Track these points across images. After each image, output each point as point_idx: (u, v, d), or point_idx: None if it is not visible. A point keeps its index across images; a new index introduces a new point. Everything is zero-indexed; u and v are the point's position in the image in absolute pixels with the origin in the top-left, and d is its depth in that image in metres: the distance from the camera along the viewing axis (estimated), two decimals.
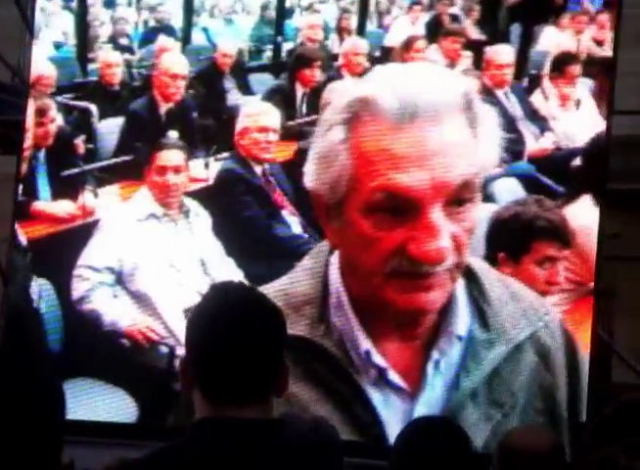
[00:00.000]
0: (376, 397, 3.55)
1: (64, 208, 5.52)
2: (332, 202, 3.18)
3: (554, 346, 3.49)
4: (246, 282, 2.81)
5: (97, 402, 5.13)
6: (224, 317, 1.80)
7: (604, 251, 4.89)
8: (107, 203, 5.50)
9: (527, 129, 5.35)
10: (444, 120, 3.07)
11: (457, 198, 3.00)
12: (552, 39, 5.40)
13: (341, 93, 3.32)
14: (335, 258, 3.56)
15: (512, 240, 4.64)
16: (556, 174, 5.10)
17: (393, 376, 3.39)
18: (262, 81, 5.89)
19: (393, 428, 3.60)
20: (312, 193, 3.34)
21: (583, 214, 4.95)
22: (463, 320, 3.28)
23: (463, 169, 3.01)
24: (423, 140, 3.00)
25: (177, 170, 5.32)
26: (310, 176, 3.24)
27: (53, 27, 6.09)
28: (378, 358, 3.25)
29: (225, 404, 1.78)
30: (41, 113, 5.64)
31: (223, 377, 1.78)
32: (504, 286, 3.42)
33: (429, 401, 3.57)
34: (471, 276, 3.30)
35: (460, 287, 3.27)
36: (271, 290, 3.65)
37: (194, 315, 1.84)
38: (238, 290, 1.90)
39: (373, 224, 3.09)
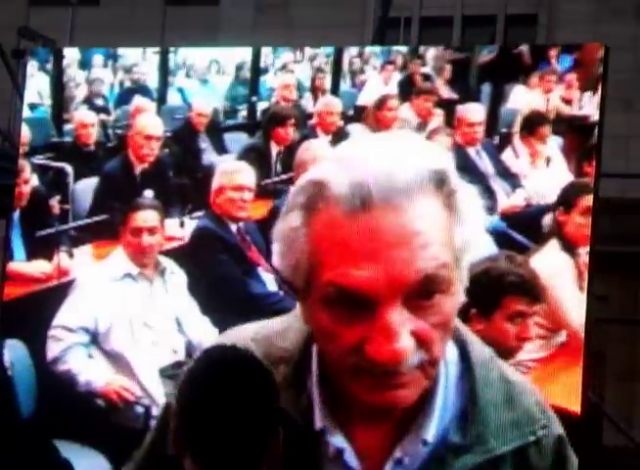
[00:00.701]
0: None
1: (39, 268, 5.51)
2: (296, 286, 2.99)
3: (540, 466, 3.20)
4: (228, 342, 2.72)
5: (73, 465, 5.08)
6: (211, 381, 1.79)
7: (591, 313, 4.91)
8: (82, 262, 5.50)
9: (499, 186, 5.40)
10: (405, 207, 2.72)
11: (420, 292, 2.70)
12: (522, 98, 5.47)
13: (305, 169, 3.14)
14: None
15: (483, 296, 4.66)
16: (527, 230, 5.15)
17: (351, 458, 3.20)
18: (237, 140, 5.93)
19: None
20: (279, 273, 3.18)
21: (549, 261, 4.99)
22: (434, 424, 3.03)
23: (427, 262, 2.69)
24: (378, 231, 2.69)
25: (152, 231, 5.33)
26: (276, 256, 3.05)
27: (28, 88, 6.12)
28: (334, 438, 3.07)
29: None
30: (16, 173, 5.66)
31: (213, 443, 1.77)
32: (503, 387, 3.11)
33: None
34: (467, 373, 3.03)
35: (447, 384, 3.03)
36: (261, 328, 3.46)
37: (183, 380, 1.83)
38: (227, 354, 1.88)
39: (331, 317, 2.83)
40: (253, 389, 1.80)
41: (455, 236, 2.74)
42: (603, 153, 5.20)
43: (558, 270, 4.98)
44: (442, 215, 2.73)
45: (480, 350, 2.96)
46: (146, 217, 5.35)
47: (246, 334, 3.18)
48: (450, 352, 2.88)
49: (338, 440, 3.06)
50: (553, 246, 5.04)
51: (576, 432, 4.59)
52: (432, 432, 2.93)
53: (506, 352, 4.76)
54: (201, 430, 1.77)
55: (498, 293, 4.67)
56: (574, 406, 4.74)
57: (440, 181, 2.73)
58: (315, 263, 2.77)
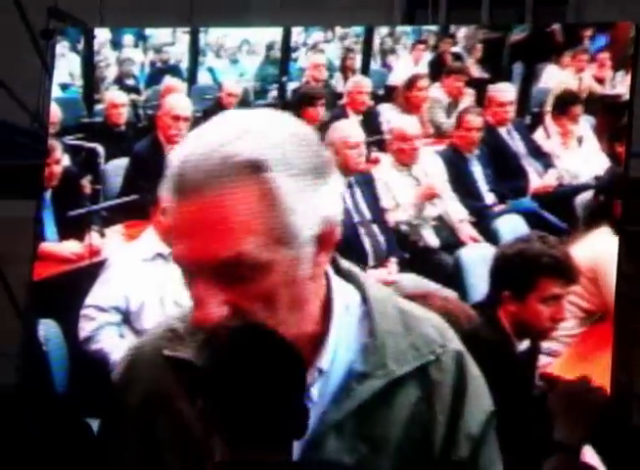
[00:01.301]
0: None
1: (70, 248, 5.55)
2: None
3: (442, 380, 3.31)
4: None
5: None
6: (239, 360, 1.79)
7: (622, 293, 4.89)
8: (113, 242, 5.53)
9: (530, 166, 5.37)
10: (215, 195, 2.94)
11: (226, 271, 2.96)
12: (554, 77, 5.44)
13: None
14: None
15: (516, 278, 4.65)
16: (559, 211, 5.13)
17: None
18: None
19: None
20: None
21: (598, 248, 4.96)
22: (327, 355, 3.19)
23: (224, 248, 2.96)
24: (192, 216, 2.94)
25: None
26: None
27: (59, 69, 6.14)
28: None
29: (245, 449, 1.77)
30: (48, 153, 5.69)
31: (242, 421, 1.78)
32: (401, 318, 3.29)
33: None
34: (368, 312, 3.24)
35: (346, 324, 3.20)
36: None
37: (209, 359, 1.84)
38: (254, 332, 1.89)
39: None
40: (279, 366, 1.80)
41: (271, 221, 2.92)
42: (634, 133, 5.16)
43: (606, 253, 4.93)
44: (257, 203, 2.91)
45: (377, 290, 3.16)
46: None
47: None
48: (352, 298, 3.07)
49: None
50: (600, 229, 5.00)
51: (606, 412, 4.59)
52: (325, 361, 3.07)
53: (540, 333, 4.75)
54: (229, 409, 1.78)
55: (533, 275, 4.65)
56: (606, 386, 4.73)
57: (255, 170, 2.90)
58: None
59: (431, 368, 3.20)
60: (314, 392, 3.18)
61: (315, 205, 3.07)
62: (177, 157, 2.94)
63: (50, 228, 5.63)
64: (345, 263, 3.18)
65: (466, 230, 5.33)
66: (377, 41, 5.90)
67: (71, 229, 5.60)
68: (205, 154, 2.90)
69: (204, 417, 1.81)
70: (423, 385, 3.21)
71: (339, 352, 3.24)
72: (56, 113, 5.91)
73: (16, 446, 1.94)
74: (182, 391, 2.76)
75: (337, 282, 3.13)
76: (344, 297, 3.12)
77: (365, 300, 3.15)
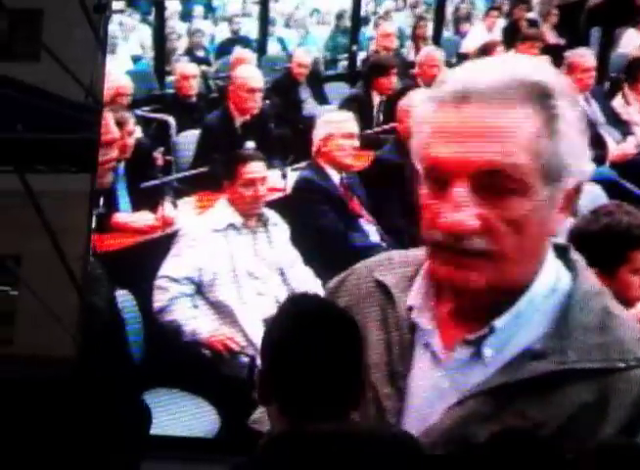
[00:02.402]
0: (418, 355, 3.50)
1: (143, 219, 5.57)
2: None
3: (626, 393, 3.25)
4: (323, 291, 2.85)
5: (179, 413, 5.16)
6: (301, 331, 1.79)
7: None
8: (185, 214, 5.54)
9: (609, 134, 5.27)
10: (497, 106, 3.15)
11: (490, 184, 3.09)
12: (633, 42, 5.31)
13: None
14: None
15: (607, 253, 4.53)
16: (639, 179, 5.02)
17: (435, 342, 3.37)
18: (338, 90, 5.89)
19: (418, 390, 3.54)
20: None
21: None
22: (508, 317, 3.26)
23: (498, 155, 3.09)
24: (467, 121, 3.10)
25: (263, 181, 5.34)
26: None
27: (131, 41, 6.16)
28: (420, 318, 3.29)
29: (303, 419, 1.77)
30: (119, 125, 5.70)
31: (301, 391, 1.77)
32: (601, 316, 3.24)
33: (455, 382, 3.49)
34: (569, 303, 3.23)
35: (540, 299, 3.22)
36: (384, 259, 3.64)
37: (271, 329, 1.83)
38: (315, 303, 1.88)
39: (426, 192, 3.26)
40: (339, 338, 1.78)
41: (547, 148, 2.99)
42: None
43: None
44: (535, 125, 3.01)
45: (589, 285, 3.15)
46: (257, 168, 5.35)
47: (372, 265, 3.47)
48: (562, 283, 3.17)
49: (423, 320, 3.23)
50: None
51: None
52: (504, 320, 3.12)
53: (630, 301, 4.65)
54: (289, 378, 1.77)
55: (624, 249, 4.55)
56: None
57: (541, 94, 3.04)
58: (425, 145, 3.14)
59: (615, 376, 3.14)
60: (487, 350, 3.21)
61: (584, 152, 3.16)
62: (458, 72, 3.17)
63: (123, 200, 5.66)
64: (570, 247, 3.21)
65: None
66: (450, 9, 5.82)
67: (144, 201, 5.63)
68: (490, 72, 3.10)
69: (264, 383, 1.80)
70: (600, 389, 3.15)
71: (520, 323, 3.23)
72: (128, 84, 5.93)
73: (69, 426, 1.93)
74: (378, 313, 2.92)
75: (553, 258, 3.18)
76: (555, 277, 3.17)
77: (573, 292, 3.17)
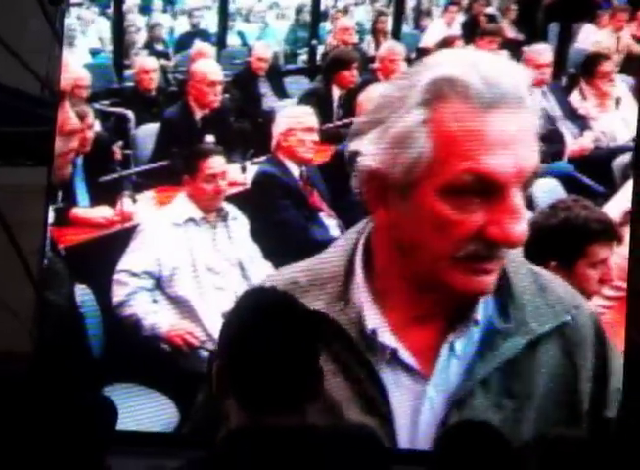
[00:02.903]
0: (386, 376, 3.53)
1: (102, 213, 5.54)
2: (400, 183, 3.19)
3: (580, 342, 3.46)
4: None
5: (138, 408, 5.14)
6: (258, 324, 1.79)
7: (636, 253, 4.86)
8: (144, 208, 5.52)
9: (567, 129, 5.31)
10: (521, 108, 3.14)
11: (527, 185, 3.16)
12: (591, 37, 5.36)
13: (414, 73, 3.34)
14: (363, 239, 3.56)
15: (564, 247, 4.57)
16: (596, 173, 5.07)
17: (405, 356, 3.38)
18: (298, 84, 5.89)
19: (403, 408, 3.58)
20: (372, 173, 3.30)
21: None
22: (482, 306, 3.32)
23: (537, 159, 3.16)
24: (506, 125, 3.08)
25: (223, 176, 5.32)
26: (374, 157, 3.24)
27: (89, 35, 6.12)
28: (386, 338, 3.28)
29: (261, 412, 1.77)
30: (79, 119, 5.66)
31: (259, 385, 1.77)
32: (534, 278, 3.41)
33: (440, 384, 3.57)
34: (506, 268, 3.35)
35: None
36: (298, 269, 3.65)
37: (228, 322, 1.83)
38: (272, 296, 1.89)
39: (452, 207, 3.15)
40: (297, 331, 1.79)
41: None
42: None
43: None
44: (536, 126, 3.15)
45: (511, 253, 3.26)
46: (218, 163, 5.34)
47: (291, 269, 3.42)
48: None
49: (390, 339, 3.24)
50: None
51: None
52: (480, 313, 3.18)
53: (585, 296, 4.69)
54: (247, 372, 1.77)
55: (582, 242, 4.58)
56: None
57: (527, 95, 3.12)
58: (443, 156, 3.05)
59: (567, 329, 3.34)
60: (458, 346, 3.24)
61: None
62: (471, 73, 3.10)
63: (82, 194, 5.62)
64: None
65: None
66: (410, 3, 5.83)
67: (103, 195, 5.59)
68: (496, 75, 3.08)
69: (221, 377, 1.80)
70: (562, 344, 3.32)
71: (485, 306, 3.32)
72: (86, 77, 5.88)
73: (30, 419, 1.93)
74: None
75: None
76: None
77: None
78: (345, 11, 5.91)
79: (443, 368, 3.44)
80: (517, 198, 3.15)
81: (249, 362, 1.78)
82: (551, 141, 5.30)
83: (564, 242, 4.57)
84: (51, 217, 5.60)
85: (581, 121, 5.29)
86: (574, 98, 5.34)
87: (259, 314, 1.81)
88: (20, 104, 6.45)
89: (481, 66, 3.12)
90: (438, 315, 3.37)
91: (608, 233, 4.64)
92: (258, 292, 1.97)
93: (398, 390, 3.39)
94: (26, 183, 6.50)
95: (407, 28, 5.86)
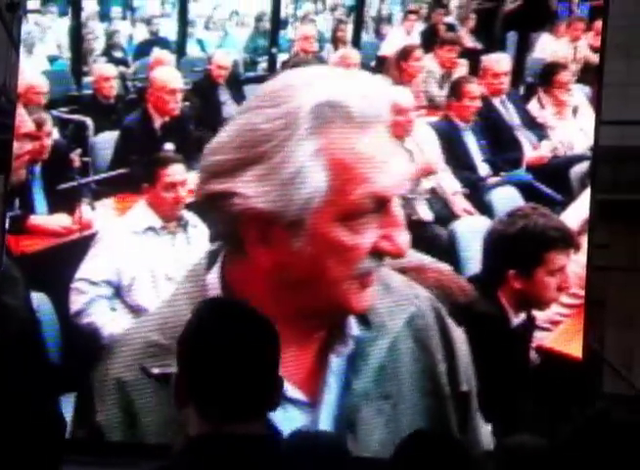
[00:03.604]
0: (275, 416, 3.44)
1: (60, 221, 5.49)
2: (292, 220, 3.07)
3: (427, 326, 3.54)
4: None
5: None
6: (217, 334, 1.78)
7: (594, 261, 4.91)
8: (103, 216, 5.48)
9: (525, 137, 5.34)
10: (388, 121, 3.14)
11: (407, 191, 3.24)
12: (548, 47, 5.40)
13: (283, 99, 3.14)
14: (214, 279, 3.42)
15: (523, 255, 4.60)
16: (554, 182, 5.10)
17: (289, 390, 3.31)
18: None
19: None
20: (257, 215, 3.14)
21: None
22: (353, 319, 3.35)
23: (410, 166, 3.22)
24: (385, 140, 3.09)
25: (183, 184, 5.30)
26: (260, 199, 3.08)
27: (47, 41, 6.07)
28: None
29: (221, 420, 1.76)
30: (37, 126, 5.61)
31: (218, 393, 1.77)
32: (378, 280, 3.45)
33: (330, 410, 3.51)
34: None
35: None
36: (153, 322, 3.55)
37: (185, 332, 1.82)
38: (229, 305, 1.88)
39: (347, 231, 3.08)
40: (255, 339, 1.79)
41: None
42: (610, 100, 5.14)
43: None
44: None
45: None
46: (178, 171, 5.31)
47: (142, 329, 3.35)
48: None
49: None
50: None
51: (578, 378, 4.63)
52: (353, 327, 3.20)
53: (545, 303, 4.72)
54: (205, 380, 1.76)
55: (540, 250, 4.62)
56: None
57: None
58: (338, 184, 3.00)
59: (415, 318, 3.39)
60: (335, 366, 3.19)
61: None
62: (349, 93, 3.04)
63: (40, 201, 5.58)
64: None
65: (459, 203, 5.30)
66: (372, 10, 5.84)
67: (61, 203, 5.55)
68: (370, 92, 3.05)
69: (180, 386, 1.79)
70: (414, 335, 3.38)
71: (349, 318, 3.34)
72: (43, 84, 5.84)
73: None
74: None
75: None
76: None
77: None
78: (306, 19, 5.92)
79: (329, 392, 3.39)
80: (398, 208, 3.18)
81: (206, 371, 1.77)
82: (509, 150, 5.35)
83: (522, 250, 4.60)
84: (8, 225, 5.55)
85: (539, 130, 5.33)
86: (533, 107, 5.39)
87: (216, 323, 1.81)
88: None
89: (355, 83, 3.09)
90: (315, 340, 3.33)
91: (565, 241, 4.68)
92: (216, 302, 1.97)
93: (290, 424, 3.26)
94: None
95: (367, 37, 5.88)
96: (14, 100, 5.83)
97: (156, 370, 2.85)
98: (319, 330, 3.30)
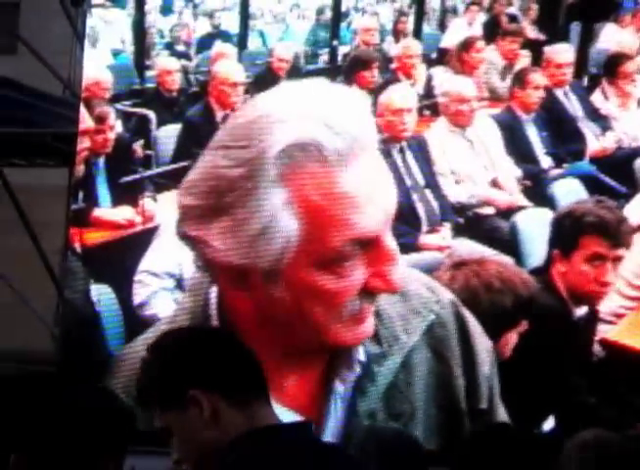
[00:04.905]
0: None
1: (123, 214, 5.55)
2: (269, 269, 2.89)
3: (447, 335, 3.28)
4: None
5: None
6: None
7: None
8: (166, 208, 5.52)
9: (588, 129, 5.29)
10: (370, 144, 2.84)
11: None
12: (613, 37, 5.33)
13: (250, 139, 2.88)
14: (214, 298, 3.26)
15: (563, 236, 4.60)
16: (618, 174, 5.04)
17: (290, 418, 3.24)
18: None
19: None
20: (230, 267, 2.98)
21: None
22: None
23: (395, 192, 2.90)
24: (366, 173, 2.80)
25: None
26: (232, 252, 2.91)
27: (111, 35, 6.13)
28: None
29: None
30: (100, 120, 5.67)
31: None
32: None
33: (332, 431, 3.35)
34: None
35: None
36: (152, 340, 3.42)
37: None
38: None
39: (331, 276, 2.86)
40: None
41: None
42: None
43: None
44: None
45: None
46: None
47: (142, 347, 3.21)
48: None
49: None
50: None
51: None
52: (361, 351, 3.01)
53: (590, 296, 4.68)
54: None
55: (576, 232, 4.59)
56: None
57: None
58: (313, 232, 2.75)
59: (434, 326, 3.19)
60: (340, 389, 3.08)
61: None
62: (321, 129, 2.75)
63: (103, 194, 5.63)
64: None
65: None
66: (434, 1, 5.81)
67: (124, 195, 5.60)
68: (342, 120, 2.80)
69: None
70: (431, 345, 3.19)
71: None
72: (108, 79, 5.90)
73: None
74: None
75: None
76: None
77: None
78: (368, 11, 5.91)
79: (332, 416, 3.21)
80: (389, 241, 2.90)
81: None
82: (572, 141, 5.30)
83: (563, 231, 4.59)
84: (72, 218, 5.61)
85: (603, 122, 5.27)
86: (596, 98, 5.32)
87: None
88: (42, 105, 6.48)
89: (325, 113, 2.76)
90: (319, 364, 3.17)
91: (603, 228, 4.61)
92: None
93: None
94: (48, 184, 6.53)
95: (429, 28, 5.85)
96: (79, 94, 5.90)
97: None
98: (321, 360, 3.13)
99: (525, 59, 5.46)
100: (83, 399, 1.96)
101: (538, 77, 5.32)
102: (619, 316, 4.75)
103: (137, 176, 5.64)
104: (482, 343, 3.36)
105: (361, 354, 3.15)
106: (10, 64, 7.15)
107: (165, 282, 5.29)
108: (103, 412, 1.93)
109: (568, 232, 4.63)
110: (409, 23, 5.82)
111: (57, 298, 5.88)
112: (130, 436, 1.97)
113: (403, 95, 5.44)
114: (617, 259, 4.63)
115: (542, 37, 5.48)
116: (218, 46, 6.01)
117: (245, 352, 1.83)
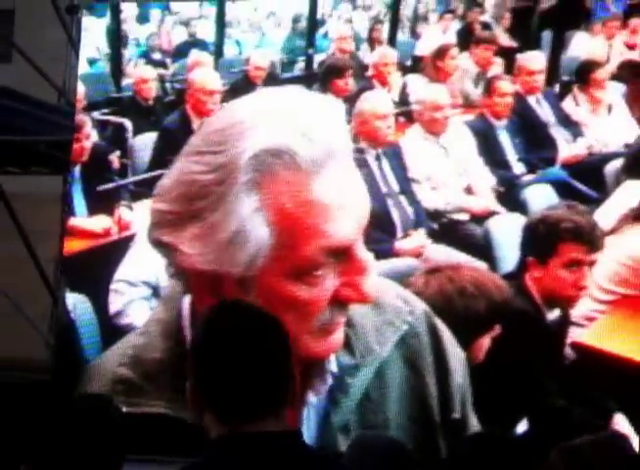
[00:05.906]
0: None
1: (99, 223, 5.56)
2: (241, 276, 2.90)
3: (420, 345, 3.25)
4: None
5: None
6: (229, 337, 1.80)
7: None
8: (142, 217, 5.53)
9: (560, 135, 5.33)
10: (345, 153, 2.82)
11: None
12: (583, 45, 5.38)
13: (222, 144, 2.84)
14: (187, 309, 3.20)
15: (539, 243, 4.64)
16: (589, 180, 5.08)
17: None
18: None
19: None
20: (203, 274, 2.91)
21: None
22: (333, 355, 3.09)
23: (368, 201, 2.89)
24: (340, 182, 2.78)
25: None
26: (204, 259, 2.89)
27: (86, 44, 6.13)
28: None
29: (239, 422, 1.79)
30: (77, 129, 5.69)
31: (233, 395, 1.80)
32: None
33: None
34: None
35: None
36: (123, 354, 3.30)
37: (197, 338, 1.84)
38: (238, 308, 1.89)
39: (302, 285, 2.81)
40: (265, 337, 1.81)
41: None
42: None
43: None
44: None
45: None
46: None
47: (113, 360, 3.16)
48: None
49: None
50: None
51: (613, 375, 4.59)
52: (334, 362, 3.00)
53: (566, 300, 4.72)
54: (218, 383, 1.80)
55: (553, 239, 4.63)
56: None
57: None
58: (285, 240, 2.74)
59: (407, 337, 3.17)
60: (313, 400, 3.07)
61: None
62: (294, 137, 2.72)
63: (79, 203, 5.64)
64: None
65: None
66: (408, 10, 5.84)
67: (101, 204, 5.61)
68: (317, 127, 2.79)
69: (194, 395, 1.81)
70: (404, 356, 3.17)
71: None
72: (83, 88, 5.91)
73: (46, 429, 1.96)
74: None
75: None
76: None
77: None
78: (343, 19, 5.94)
79: (305, 428, 3.14)
80: (361, 251, 2.87)
81: (219, 374, 1.79)
82: (544, 147, 5.34)
83: (539, 237, 4.62)
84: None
85: (574, 128, 5.31)
86: (568, 105, 5.37)
87: (225, 327, 1.82)
88: (37, 112, 6.48)
89: (299, 120, 2.75)
90: None
91: (580, 234, 4.65)
92: (224, 305, 1.98)
93: None
94: (43, 191, 6.53)
95: (403, 36, 5.88)
96: (73, 102, 5.91)
97: (123, 409, 2.71)
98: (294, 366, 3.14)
99: (498, 66, 5.50)
100: (84, 408, 1.97)
101: (505, 85, 5.37)
102: (591, 320, 4.79)
103: (113, 185, 5.65)
104: (456, 353, 3.33)
105: (334, 366, 3.12)
106: (4, 71, 7.15)
107: (142, 291, 5.29)
108: (102, 421, 1.96)
109: (543, 239, 4.66)
110: (384, 31, 5.86)
111: (51, 306, 5.88)
112: (128, 444, 1.99)
113: (385, 101, 5.48)
114: (593, 264, 4.67)
115: (515, 45, 5.52)
116: (195, 54, 6.03)
117: None
